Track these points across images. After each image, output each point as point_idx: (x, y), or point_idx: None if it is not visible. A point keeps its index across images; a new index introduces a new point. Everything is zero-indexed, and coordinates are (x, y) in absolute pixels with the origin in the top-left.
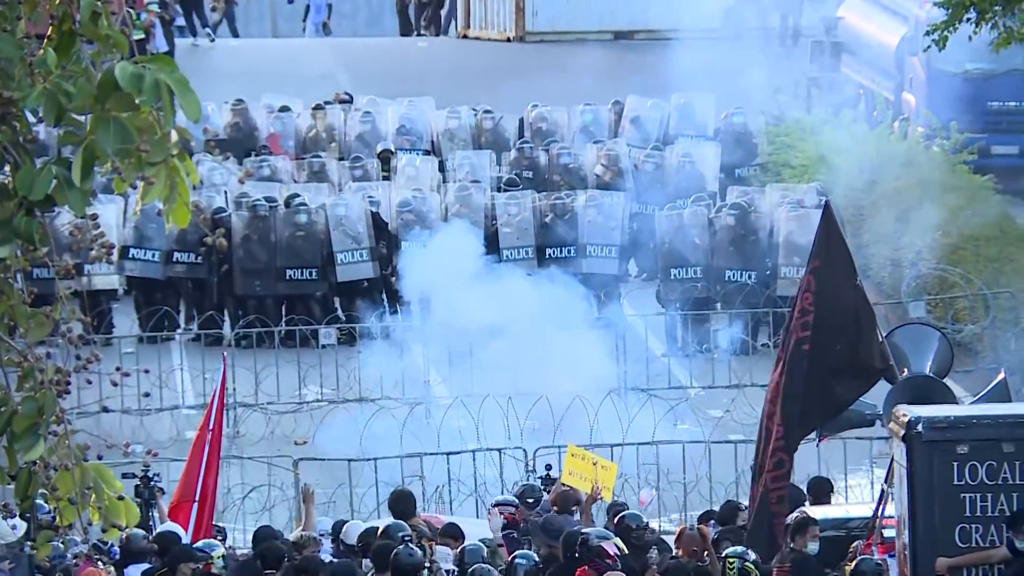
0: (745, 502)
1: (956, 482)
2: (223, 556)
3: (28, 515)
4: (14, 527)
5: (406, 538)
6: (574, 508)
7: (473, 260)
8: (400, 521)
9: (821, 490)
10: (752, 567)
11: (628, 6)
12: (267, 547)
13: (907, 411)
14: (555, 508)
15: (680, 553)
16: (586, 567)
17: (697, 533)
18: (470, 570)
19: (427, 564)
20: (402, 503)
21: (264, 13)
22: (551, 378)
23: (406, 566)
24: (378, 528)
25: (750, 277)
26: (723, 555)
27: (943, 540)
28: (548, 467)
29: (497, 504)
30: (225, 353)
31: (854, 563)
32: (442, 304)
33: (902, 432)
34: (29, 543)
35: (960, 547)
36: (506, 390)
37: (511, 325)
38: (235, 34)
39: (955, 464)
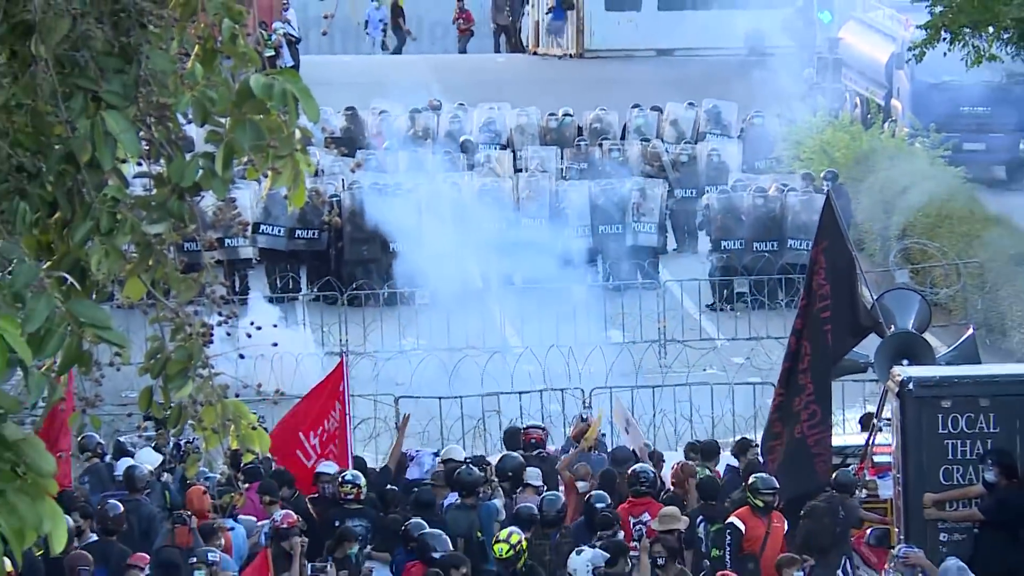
0: (755, 438)
1: (941, 431)
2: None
3: (161, 447)
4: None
5: (467, 460)
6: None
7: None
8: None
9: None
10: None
11: (669, 28)
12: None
13: (901, 372)
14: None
15: (672, 482)
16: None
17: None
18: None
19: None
20: (512, 438)
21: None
22: (605, 331)
23: (466, 483)
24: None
25: (773, 246)
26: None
27: (930, 479)
28: (584, 418)
29: (528, 427)
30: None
31: (834, 475)
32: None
33: (896, 390)
34: (165, 471)
35: (944, 484)
36: (568, 341)
37: (573, 288)
38: (397, 52)
39: (940, 416)
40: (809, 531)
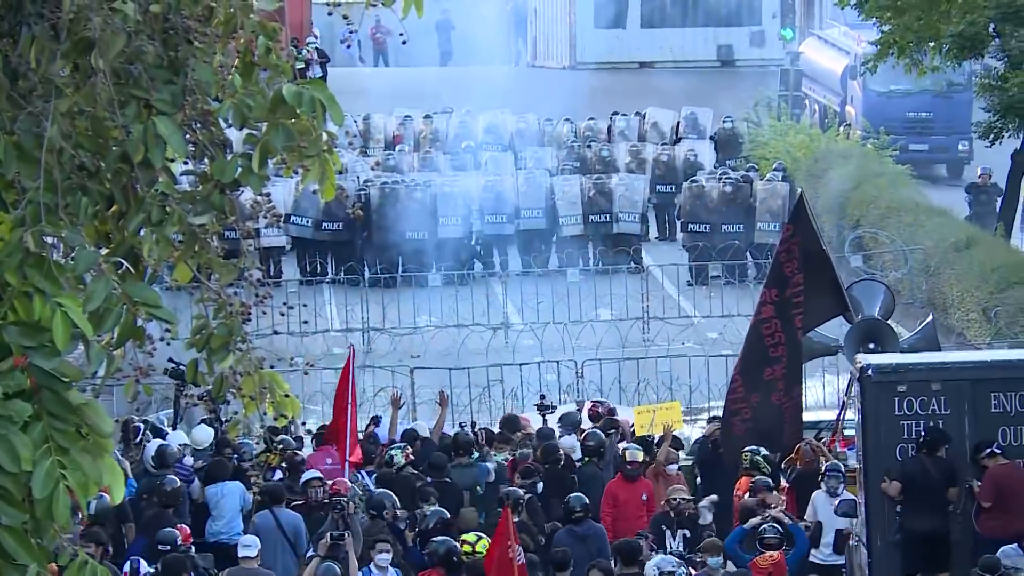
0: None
1: (896, 413)
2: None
3: (215, 424)
4: (214, 426)
5: (462, 424)
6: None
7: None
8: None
9: None
10: (762, 459)
11: (649, 43)
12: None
13: (862, 359)
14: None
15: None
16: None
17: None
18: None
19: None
20: (509, 423)
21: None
22: (595, 310)
23: (463, 443)
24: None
25: (739, 229)
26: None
27: (887, 456)
28: (543, 396)
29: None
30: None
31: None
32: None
33: (858, 375)
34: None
35: (899, 461)
36: (562, 318)
37: (566, 271)
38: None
39: (896, 399)
40: None
